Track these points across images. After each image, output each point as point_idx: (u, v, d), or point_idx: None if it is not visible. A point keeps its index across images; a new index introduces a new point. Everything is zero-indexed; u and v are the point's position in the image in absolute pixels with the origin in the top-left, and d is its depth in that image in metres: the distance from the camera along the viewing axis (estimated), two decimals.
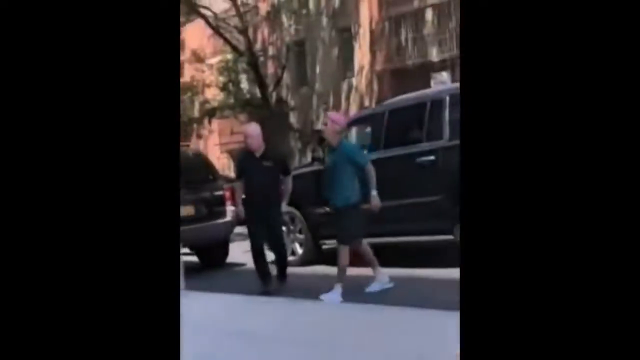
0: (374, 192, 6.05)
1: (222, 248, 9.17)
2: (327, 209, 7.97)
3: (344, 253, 6.04)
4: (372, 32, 19.53)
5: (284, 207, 6.99)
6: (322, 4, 21.31)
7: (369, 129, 8.46)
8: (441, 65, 17.22)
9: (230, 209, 9.02)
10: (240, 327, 5.16)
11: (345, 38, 20.76)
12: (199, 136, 25.39)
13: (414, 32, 18.36)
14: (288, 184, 6.98)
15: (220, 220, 8.85)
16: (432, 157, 6.88)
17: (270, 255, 6.96)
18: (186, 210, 8.60)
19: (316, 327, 4.91)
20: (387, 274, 6.27)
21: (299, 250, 8.36)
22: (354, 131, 10.35)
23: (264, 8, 22.19)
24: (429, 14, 17.89)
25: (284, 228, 8.25)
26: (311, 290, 6.10)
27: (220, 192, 9.14)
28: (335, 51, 21.13)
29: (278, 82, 21.72)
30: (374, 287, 6.19)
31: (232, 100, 22.32)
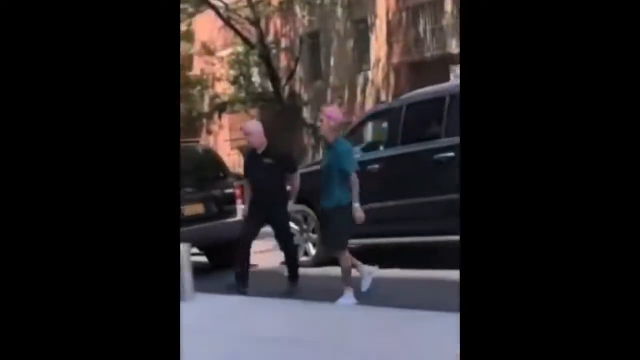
0: (356, 204, 5.97)
1: (232, 248, 9.17)
2: None
3: (343, 256, 6.02)
4: (389, 23, 19.47)
5: (292, 205, 6.95)
6: None
7: (385, 124, 8.43)
8: None
9: (241, 207, 9.02)
10: (251, 331, 5.16)
11: (361, 29, 20.71)
12: (209, 132, 25.47)
13: (433, 23, 18.28)
14: (295, 182, 6.93)
15: (231, 219, 8.83)
16: (451, 154, 6.84)
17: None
18: (195, 209, 8.62)
19: (328, 330, 4.90)
20: (367, 266, 6.27)
21: (312, 251, 8.34)
22: (370, 126, 10.33)
23: None
24: (448, 4, 17.79)
25: (296, 227, 8.25)
26: (325, 292, 6.08)
27: (230, 190, 9.14)
28: (351, 43, 21.09)
29: (291, 75, 21.72)
30: (365, 285, 6.20)
31: (243, 95, 22.37)
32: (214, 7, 20.53)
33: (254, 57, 21.73)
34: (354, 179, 5.94)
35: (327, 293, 6.03)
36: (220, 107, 23.50)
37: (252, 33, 20.95)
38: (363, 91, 20.65)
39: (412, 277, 6.75)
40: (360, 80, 20.78)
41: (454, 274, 6.62)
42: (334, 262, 8.06)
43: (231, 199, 9.07)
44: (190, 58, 26.39)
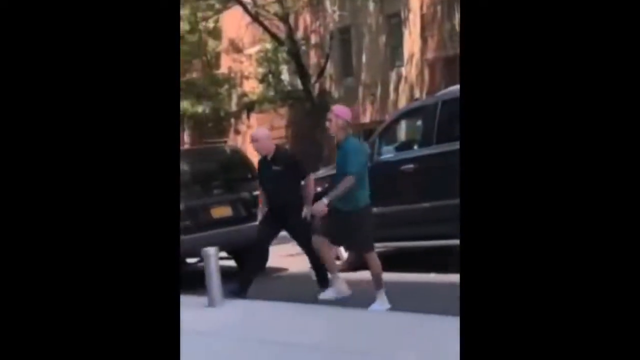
0: (325, 200, 5.89)
1: (262, 252, 9.21)
2: (375, 209, 7.99)
3: (372, 259, 6.01)
4: (422, 16, 19.39)
5: (306, 210, 6.78)
6: None
7: (419, 123, 8.39)
8: None
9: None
10: (281, 337, 5.18)
11: (394, 24, 20.66)
12: (237, 132, 25.64)
13: None
14: (307, 188, 6.92)
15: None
16: None
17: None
18: (223, 211, 8.68)
19: (359, 336, 4.90)
20: (345, 283, 6.19)
21: (344, 255, 8.35)
22: (403, 125, 10.30)
23: None
24: None
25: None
26: (357, 297, 6.08)
27: (257, 192, 9.19)
28: (383, 38, 21.05)
29: (321, 72, 21.74)
30: (328, 294, 6.17)
31: (272, 93, 22.46)
32: (241, 3, 20.64)
33: (283, 54, 21.80)
34: (348, 179, 5.84)
35: (361, 298, 6.02)
36: (249, 107, 23.62)
37: (281, 29, 21.02)
38: (396, 88, 20.59)
39: (449, 282, 6.70)
40: (393, 77, 20.72)
41: None
42: (367, 266, 8.08)
43: (258, 202, 9.11)
44: (217, 56, 26.60)
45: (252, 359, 4.73)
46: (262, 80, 22.93)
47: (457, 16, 18.50)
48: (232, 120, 25.77)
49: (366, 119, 21.45)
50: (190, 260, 8.93)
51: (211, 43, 26.03)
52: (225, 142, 14.17)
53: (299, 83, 21.56)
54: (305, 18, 23.43)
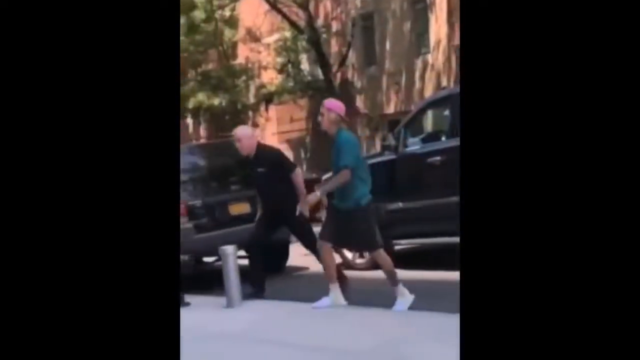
0: (317, 192, 5.98)
1: (282, 250, 9.20)
2: (400, 204, 7.94)
3: (381, 257, 5.98)
4: (449, 1, 19.25)
5: (300, 206, 6.68)
6: None
7: (447, 113, 8.33)
8: None
9: None
10: (301, 339, 5.17)
11: (419, 9, 20.54)
12: (255, 125, 25.68)
13: None
14: (296, 183, 6.90)
15: None
16: None
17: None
18: (241, 208, 8.69)
19: (383, 338, 4.87)
20: (341, 294, 6.15)
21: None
22: (430, 115, 10.23)
23: None
24: None
25: None
26: (381, 297, 6.05)
27: None
28: (408, 24, 20.94)
29: (343, 61, 21.70)
30: (323, 303, 6.13)
31: (291, 84, 22.46)
32: None
33: (302, 43, 21.78)
34: (343, 173, 5.83)
35: (384, 298, 5.99)
36: (267, 98, 23.66)
37: (300, 16, 21.00)
38: (422, 77, 20.48)
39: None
40: (418, 64, 20.61)
41: None
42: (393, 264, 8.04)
43: None
44: (234, 45, 26.65)
45: None
46: (281, 70, 22.94)
47: None
48: (250, 113, 25.81)
49: (390, 109, 21.38)
50: (207, 259, 8.95)
51: (227, 32, 26.07)
52: None
53: (319, 73, 21.54)
54: (326, 4, 23.38)
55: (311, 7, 21.28)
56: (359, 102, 22.46)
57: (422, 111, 9.19)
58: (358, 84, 22.62)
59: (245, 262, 7.28)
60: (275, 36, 23.76)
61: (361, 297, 6.35)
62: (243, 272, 6.82)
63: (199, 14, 24.13)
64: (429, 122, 11.59)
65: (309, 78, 22.69)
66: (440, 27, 19.74)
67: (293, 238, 9.48)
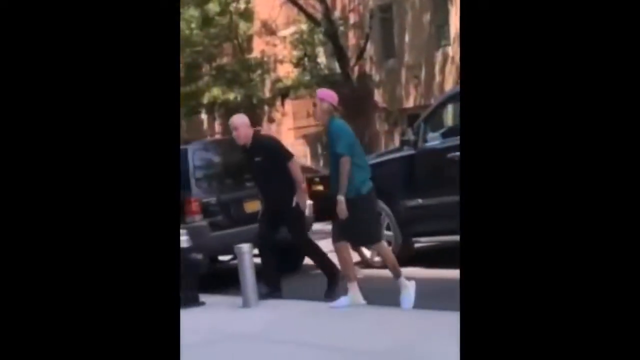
0: (340, 197, 5.81)
1: (298, 248, 9.20)
2: (420, 201, 7.92)
3: (382, 249, 5.97)
4: None
5: (297, 198, 6.77)
6: None
7: None
8: None
9: (308, 202, 9.05)
10: (319, 339, 5.18)
11: (439, 0, 20.46)
12: (271, 120, 25.73)
13: None
14: (293, 173, 6.84)
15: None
16: None
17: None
18: (257, 205, 8.67)
19: (401, 337, 4.87)
20: (359, 292, 6.10)
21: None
22: (450, 109, 10.20)
23: None
24: None
25: None
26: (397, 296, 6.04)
27: None
28: (428, 16, 20.87)
29: (361, 54, 21.68)
30: (341, 303, 6.09)
31: (308, 78, 22.46)
32: None
33: (319, 36, 21.78)
34: (344, 162, 5.80)
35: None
36: (283, 93, 23.68)
37: (317, 9, 20.99)
38: (442, 70, 20.41)
39: None
40: (438, 57, 20.55)
41: None
42: (413, 262, 8.03)
43: None
44: (249, 39, 26.68)
45: None
46: (297, 64, 22.94)
47: None
48: (266, 108, 25.85)
49: (410, 103, 21.33)
50: (223, 257, 8.98)
51: (242, 25, 26.10)
52: (259, 131, 14.27)
53: (336, 66, 21.53)
54: None
55: None
56: (377, 96, 22.43)
57: (442, 105, 9.16)
58: (376, 77, 22.58)
59: (260, 261, 7.30)
60: (292, 29, 23.77)
61: (380, 296, 6.35)
62: (259, 271, 6.84)
63: (213, 7, 24.19)
64: (449, 116, 11.56)
65: (326, 72, 22.68)
66: None
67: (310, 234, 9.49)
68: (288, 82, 23.54)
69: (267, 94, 25.57)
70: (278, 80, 24.55)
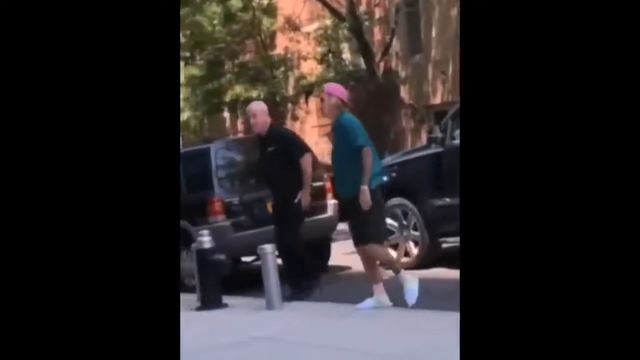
0: (364, 186, 5.73)
1: (323, 249, 9.19)
2: (448, 200, 7.90)
3: (381, 249, 5.95)
4: None
5: (301, 195, 6.75)
6: None
7: None
8: None
9: (331, 202, 9.04)
10: (344, 342, 5.18)
11: None
12: (295, 117, 25.74)
13: None
14: (303, 168, 6.77)
15: (320, 216, 8.84)
16: None
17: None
18: None
19: (426, 340, 4.86)
20: (386, 294, 6.07)
21: (414, 251, 8.29)
22: None
23: None
24: None
25: (395, 224, 8.20)
26: (427, 298, 6.03)
27: (319, 183, 9.16)
28: (455, 10, 20.76)
29: (386, 50, 21.62)
30: (366, 305, 6.07)
31: (332, 74, 22.42)
32: None
33: (344, 31, 21.75)
34: (366, 152, 5.76)
35: (431, 299, 5.97)
36: (307, 90, 23.65)
37: (341, 4, 20.98)
38: None
39: None
40: None
41: None
42: (440, 263, 8.00)
43: (321, 193, 9.08)
44: (272, 35, 26.72)
45: None
46: (322, 60, 22.93)
47: None
48: (289, 105, 25.86)
49: (437, 99, 21.24)
50: (246, 258, 9.00)
51: (265, 21, 26.14)
52: (282, 124, 14.34)
53: (361, 62, 21.48)
54: None
55: None
56: (404, 92, 22.36)
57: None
58: (402, 73, 22.51)
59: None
60: (315, 25, 23.77)
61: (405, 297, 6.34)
62: (282, 273, 6.85)
63: (235, 3, 24.24)
64: None
65: (351, 68, 22.63)
66: None
67: (334, 235, 9.43)
68: (312, 79, 23.51)
69: (291, 91, 25.58)
70: (302, 77, 24.55)
